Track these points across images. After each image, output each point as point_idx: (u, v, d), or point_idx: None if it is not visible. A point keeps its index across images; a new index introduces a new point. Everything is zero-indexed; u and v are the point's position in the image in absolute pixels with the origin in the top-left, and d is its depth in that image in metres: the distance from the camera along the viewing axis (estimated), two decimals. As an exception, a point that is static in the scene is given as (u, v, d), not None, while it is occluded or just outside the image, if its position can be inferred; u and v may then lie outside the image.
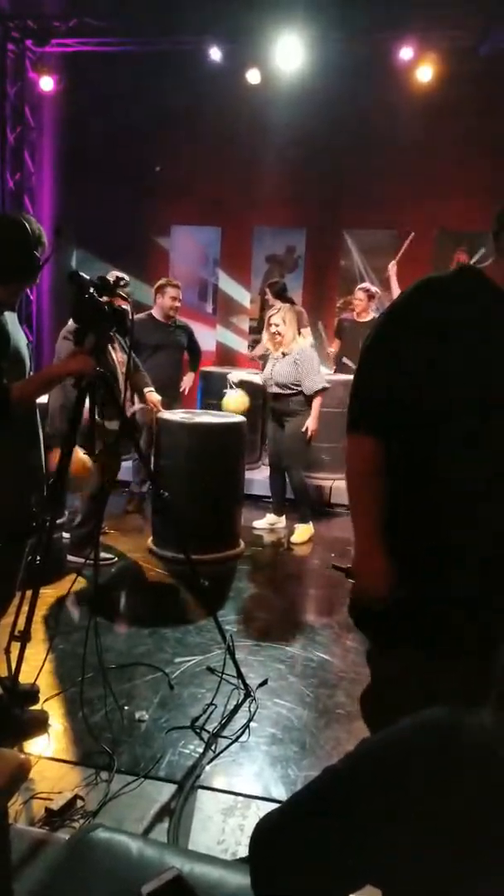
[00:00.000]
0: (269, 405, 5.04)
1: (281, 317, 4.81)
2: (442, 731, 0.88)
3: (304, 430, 4.76)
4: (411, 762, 0.87)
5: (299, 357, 4.73)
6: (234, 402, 5.27)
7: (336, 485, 5.82)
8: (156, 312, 5.21)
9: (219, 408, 5.38)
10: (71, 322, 3.34)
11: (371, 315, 6.52)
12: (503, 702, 0.86)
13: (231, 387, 5.43)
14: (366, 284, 6.62)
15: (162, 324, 5.19)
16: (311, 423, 4.75)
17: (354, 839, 0.89)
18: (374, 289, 6.57)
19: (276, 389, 4.84)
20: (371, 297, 6.42)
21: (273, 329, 4.81)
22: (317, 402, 4.75)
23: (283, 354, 4.78)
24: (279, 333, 4.78)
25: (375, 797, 0.88)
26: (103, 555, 4.15)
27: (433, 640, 1.53)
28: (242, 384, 5.52)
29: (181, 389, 5.47)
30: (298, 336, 4.88)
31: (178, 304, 5.26)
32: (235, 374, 5.57)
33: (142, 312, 5.32)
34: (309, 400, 4.76)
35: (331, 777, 0.96)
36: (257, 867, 1.00)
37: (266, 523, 5.15)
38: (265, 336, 5.19)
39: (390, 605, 1.58)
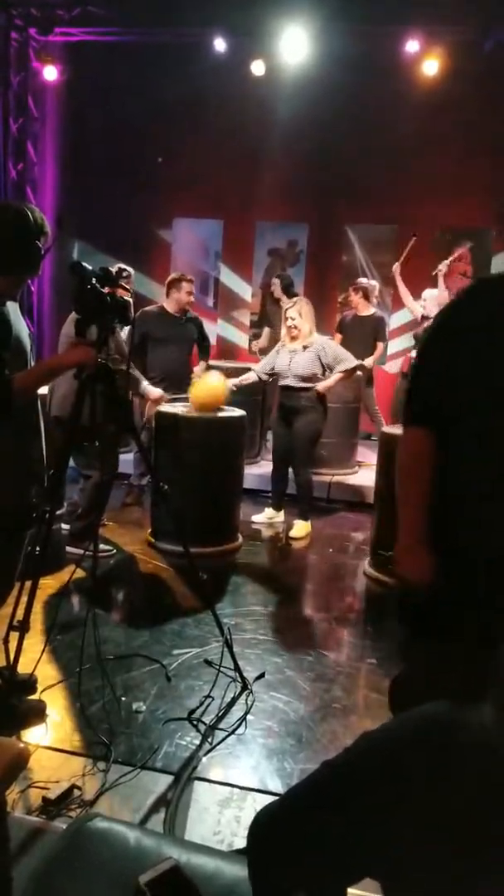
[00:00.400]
0: (279, 400, 5.00)
1: (297, 310, 4.79)
2: (441, 728, 0.88)
3: (314, 427, 4.76)
4: (410, 758, 0.88)
5: (323, 349, 4.73)
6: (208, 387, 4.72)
7: (335, 480, 5.83)
8: (169, 306, 5.18)
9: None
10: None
11: (372, 309, 6.52)
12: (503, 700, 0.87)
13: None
14: (357, 281, 6.63)
15: (174, 317, 5.16)
16: (329, 382, 4.76)
17: (353, 832, 0.90)
18: (365, 282, 6.59)
19: (290, 382, 4.79)
20: (364, 291, 6.44)
21: (290, 322, 4.79)
22: (341, 377, 4.79)
23: (304, 347, 4.76)
24: (296, 327, 4.77)
25: (374, 791, 0.89)
26: (102, 547, 4.13)
27: (452, 633, 1.55)
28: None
29: (195, 379, 5.43)
30: (315, 330, 4.86)
31: (192, 298, 5.24)
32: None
33: (152, 305, 5.33)
34: (321, 397, 4.76)
35: (329, 771, 0.96)
36: (256, 859, 1.01)
37: (264, 517, 5.16)
38: (266, 330, 5.19)
39: (429, 597, 1.60)
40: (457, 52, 6.70)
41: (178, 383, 4.91)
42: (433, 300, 5.99)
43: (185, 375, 5.24)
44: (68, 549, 4.19)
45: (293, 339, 4.80)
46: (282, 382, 4.90)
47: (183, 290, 5.13)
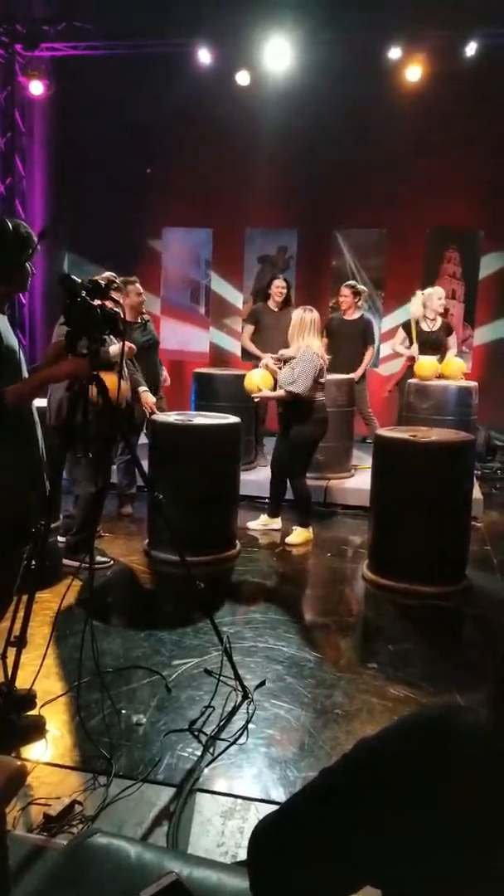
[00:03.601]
0: (278, 410, 5.00)
1: (292, 321, 4.80)
2: (438, 730, 0.88)
3: (304, 438, 4.75)
4: (408, 760, 0.87)
5: (300, 357, 4.70)
6: (253, 379, 4.98)
7: (331, 485, 5.82)
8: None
9: (214, 409, 5.35)
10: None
11: (359, 313, 6.50)
12: (500, 697, 0.86)
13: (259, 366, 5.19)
14: (352, 282, 6.60)
15: (130, 324, 5.03)
16: (267, 393, 4.78)
17: (353, 839, 0.89)
18: (360, 286, 6.57)
19: (282, 392, 4.81)
20: (357, 294, 6.40)
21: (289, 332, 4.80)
22: (282, 393, 4.68)
23: (292, 357, 4.76)
24: (289, 340, 4.77)
25: (373, 796, 0.88)
26: (99, 559, 4.13)
27: None
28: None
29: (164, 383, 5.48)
30: (304, 340, 4.78)
31: (143, 298, 5.08)
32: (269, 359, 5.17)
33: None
34: (308, 408, 4.69)
35: (329, 778, 0.96)
36: (256, 869, 1.00)
37: (259, 524, 5.15)
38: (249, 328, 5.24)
39: None
40: (441, 56, 6.75)
41: (154, 389, 4.96)
42: (433, 295, 6.08)
43: (158, 380, 5.24)
44: (65, 561, 4.18)
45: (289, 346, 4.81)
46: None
47: (132, 294, 4.94)
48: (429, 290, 6.26)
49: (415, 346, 6.19)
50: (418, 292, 6.29)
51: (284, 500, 5.14)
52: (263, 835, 0.99)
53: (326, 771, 0.97)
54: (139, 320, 5.13)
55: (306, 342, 4.71)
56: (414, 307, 6.22)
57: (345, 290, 6.40)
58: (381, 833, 0.86)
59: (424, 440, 4.14)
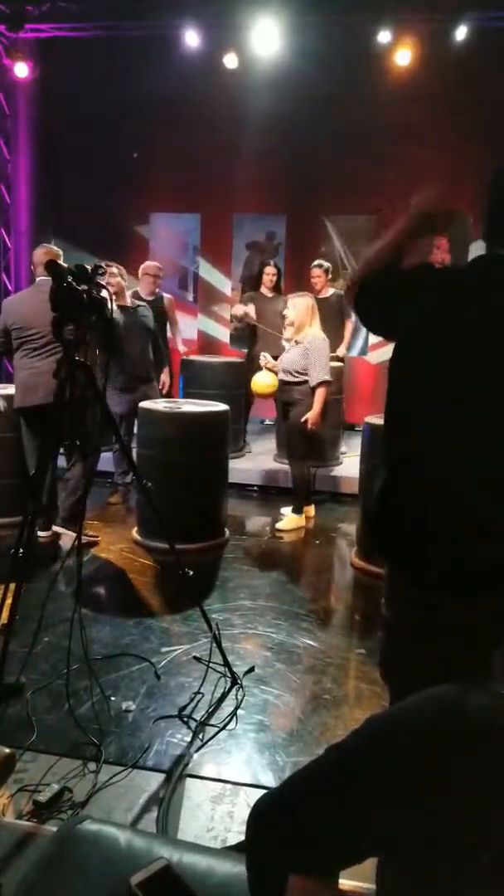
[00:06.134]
0: (278, 394, 5.00)
1: (294, 302, 4.80)
2: (446, 711, 0.88)
3: (303, 420, 4.73)
4: (415, 741, 0.88)
5: (310, 346, 4.69)
6: (262, 383, 5.08)
7: (320, 472, 5.83)
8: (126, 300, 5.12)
9: (203, 396, 5.33)
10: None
11: (331, 290, 6.47)
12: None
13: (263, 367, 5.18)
14: (319, 261, 6.57)
15: (125, 307, 4.99)
16: (311, 415, 4.68)
17: (357, 817, 0.90)
18: (326, 264, 6.53)
19: (283, 376, 4.82)
20: (326, 272, 6.41)
21: (287, 318, 4.80)
22: (320, 393, 4.68)
23: (297, 342, 4.75)
24: (291, 323, 4.76)
25: (379, 775, 0.89)
26: (89, 533, 4.36)
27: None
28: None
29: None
30: (312, 328, 4.80)
31: (121, 280, 5.00)
32: (266, 356, 5.22)
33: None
34: (313, 390, 4.72)
35: (335, 754, 0.96)
36: (255, 845, 1.00)
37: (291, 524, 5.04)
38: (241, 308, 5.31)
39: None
40: (430, 39, 6.69)
41: (145, 375, 4.97)
42: None
43: (150, 367, 5.21)
44: (56, 529, 4.32)
45: (292, 334, 4.79)
46: (280, 376, 4.90)
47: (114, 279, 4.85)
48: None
49: None
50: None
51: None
52: (264, 810, 0.99)
53: (334, 747, 0.97)
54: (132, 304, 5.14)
55: (313, 330, 4.77)
56: None
57: (316, 271, 6.39)
58: (386, 809, 0.87)
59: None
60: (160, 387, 5.47)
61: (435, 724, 0.88)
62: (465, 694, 0.89)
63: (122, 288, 4.99)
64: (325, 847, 0.93)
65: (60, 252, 4.36)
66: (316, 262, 6.50)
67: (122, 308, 4.87)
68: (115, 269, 4.96)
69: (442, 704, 0.89)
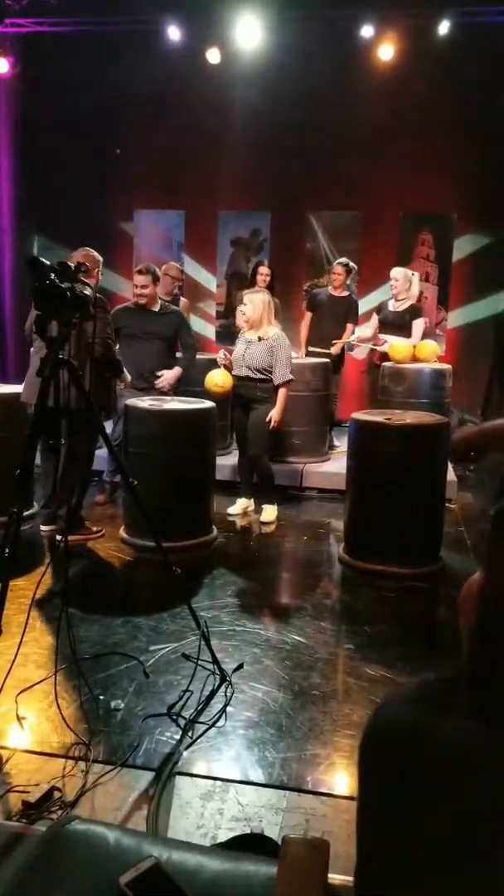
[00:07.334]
0: (236, 390, 4.95)
1: (250, 297, 4.80)
2: (440, 705, 0.87)
3: (267, 419, 4.74)
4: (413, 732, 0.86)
5: (275, 344, 4.71)
6: (215, 380, 4.98)
7: (307, 468, 5.84)
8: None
9: (187, 393, 5.30)
10: None
11: (347, 292, 6.52)
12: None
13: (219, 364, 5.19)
14: (345, 259, 6.59)
15: (134, 310, 5.07)
16: (275, 414, 4.73)
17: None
18: (353, 265, 6.58)
19: (245, 372, 4.80)
20: (349, 272, 6.45)
21: (241, 311, 4.80)
22: (282, 393, 4.74)
23: (259, 339, 4.75)
24: (246, 319, 4.77)
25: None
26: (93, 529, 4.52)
27: None
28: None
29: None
30: (272, 325, 4.82)
31: (145, 290, 4.98)
32: (224, 353, 5.19)
33: (104, 297, 5.24)
34: (276, 388, 4.75)
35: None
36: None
37: (239, 508, 5.15)
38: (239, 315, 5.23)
39: None
40: (414, 35, 6.71)
41: (148, 377, 4.94)
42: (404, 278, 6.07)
43: (155, 369, 5.18)
44: (57, 537, 4.28)
45: (249, 328, 4.80)
46: (236, 371, 4.87)
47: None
48: (398, 270, 6.24)
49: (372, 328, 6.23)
50: (412, 274, 6.27)
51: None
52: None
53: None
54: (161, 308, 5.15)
55: (273, 327, 4.80)
56: (414, 289, 6.22)
57: (338, 268, 6.43)
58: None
59: (399, 423, 4.17)
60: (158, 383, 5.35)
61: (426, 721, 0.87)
62: (449, 693, 0.89)
63: (153, 293, 5.04)
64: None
65: (100, 258, 4.56)
66: (341, 260, 6.52)
67: (139, 309, 4.97)
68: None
69: (431, 701, 0.89)
